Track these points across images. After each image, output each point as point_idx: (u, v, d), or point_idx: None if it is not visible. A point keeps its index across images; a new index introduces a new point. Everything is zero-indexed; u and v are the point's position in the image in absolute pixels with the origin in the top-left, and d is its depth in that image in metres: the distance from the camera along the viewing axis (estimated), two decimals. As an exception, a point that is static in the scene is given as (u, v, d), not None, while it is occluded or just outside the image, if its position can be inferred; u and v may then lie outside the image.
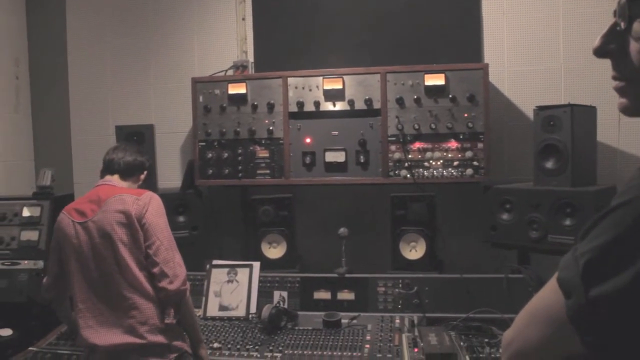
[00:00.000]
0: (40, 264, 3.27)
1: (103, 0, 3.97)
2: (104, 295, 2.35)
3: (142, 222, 2.35)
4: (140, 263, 2.35)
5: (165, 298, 2.34)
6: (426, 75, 3.15)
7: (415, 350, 2.22)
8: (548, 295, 0.88)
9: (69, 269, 2.42)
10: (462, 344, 2.33)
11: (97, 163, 3.89)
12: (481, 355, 2.38)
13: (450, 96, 3.12)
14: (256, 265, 3.07)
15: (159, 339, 2.32)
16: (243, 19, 3.75)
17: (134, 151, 2.72)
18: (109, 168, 2.64)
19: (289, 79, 3.28)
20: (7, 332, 3.08)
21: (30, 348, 2.76)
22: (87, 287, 2.37)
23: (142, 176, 2.73)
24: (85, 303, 2.36)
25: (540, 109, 2.92)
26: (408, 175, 3.15)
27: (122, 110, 3.91)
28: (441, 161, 3.15)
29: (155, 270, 2.33)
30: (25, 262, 3.29)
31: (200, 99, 3.37)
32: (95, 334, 2.31)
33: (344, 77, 3.23)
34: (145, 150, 3.42)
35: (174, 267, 2.34)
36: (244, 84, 3.32)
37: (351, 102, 3.21)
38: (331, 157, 3.23)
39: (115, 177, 2.62)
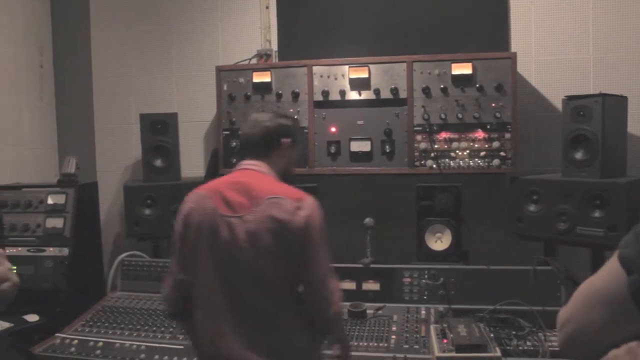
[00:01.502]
0: (65, 251, 3.30)
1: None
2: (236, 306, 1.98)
3: (300, 240, 1.96)
4: (286, 279, 1.99)
5: (320, 323, 2.04)
6: (453, 65, 3.11)
7: (445, 341, 2.20)
8: (607, 275, 0.86)
9: (196, 263, 2.03)
10: (491, 335, 2.31)
11: (120, 151, 3.97)
12: (508, 347, 2.35)
13: (477, 85, 3.08)
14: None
15: None
16: (267, 8, 3.73)
17: (268, 116, 2.25)
18: (245, 147, 2.22)
19: (314, 67, 3.26)
20: (33, 317, 3.10)
21: (56, 334, 2.77)
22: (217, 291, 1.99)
23: (286, 147, 2.21)
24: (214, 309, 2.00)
25: (569, 98, 2.87)
26: (434, 166, 3.12)
27: (145, 98, 3.91)
28: (467, 151, 3.11)
29: (310, 295, 2.01)
30: (51, 249, 3.31)
31: (225, 87, 3.36)
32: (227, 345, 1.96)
33: (370, 65, 3.20)
34: (168, 140, 3.45)
35: (332, 293, 2.01)
36: (268, 73, 3.31)
37: (377, 91, 3.18)
38: (356, 146, 3.21)
39: (255, 160, 2.16)
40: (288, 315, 2.00)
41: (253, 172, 2.11)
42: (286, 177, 2.20)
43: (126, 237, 3.47)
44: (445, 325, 2.32)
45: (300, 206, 1.97)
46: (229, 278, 1.97)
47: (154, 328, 2.78)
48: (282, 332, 1.98)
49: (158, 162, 3.45)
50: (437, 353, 2.14)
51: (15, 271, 1.07)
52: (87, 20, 4.02)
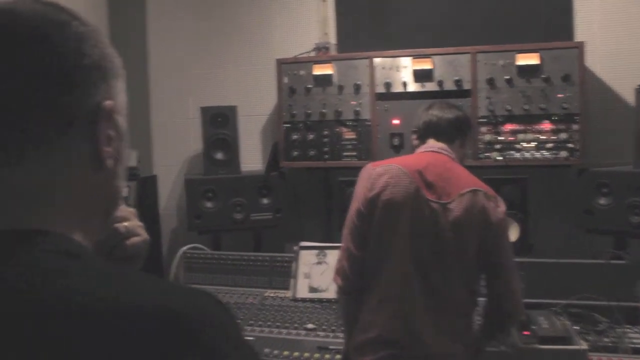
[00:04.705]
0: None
1: (184, -18, 4.00)
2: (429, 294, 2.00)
3: (497, 233, 2.00)
4: (477, 270, 2.05)
5: (497, 317, 2.09)
6: (518, 55, 3.05)
7: (526, 333, 2.16)
8: None
9: (385, 243, 2.00)
10: (575, 328, 2.26)
11: (178, 145, 4.00)
12: (588, 338, 2.29)
13: (544, 76, 3.02)
14: (345, 246, 3.05)
15: None
16: (324, 0, 3.71)
17: (451, 107, 2.27)
18: (433, 129, 2.18)
19: (375, 59, 3.24)
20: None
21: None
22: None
23: (469, 137, 2.26)
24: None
25: (643, 88, 2.80)
26: (499, 158, 3.07)
27: (202, 92, 3.92)
28: (534, 143, 3.06)
29: (495, 288, 2.04)
30: (114, 241, 3.34)
31: (285, 80, 3.36)
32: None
33: (433, 57, 3.16)
34: (229, 133, 3.46)
35: (515, 293, 2.05)
36: (329, 65, 3.30)
37: (440, 83, 3.15)
38: (419, 138, 3.18)
39: (440, 143, 2.16)
40: (471, 306, 2.05)
41: (445, 157, 2.11)
42: None
43: (187, 230, 3.48)
44: (523, 317, 2.28)
45: (497, 200, 2.03)
46: (422, 263, 1.97)
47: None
48: (466, 319, 2.03)
49: (219, 155, 3.46)
50: (519, 345, 2.11)
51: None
52: (143, 14, 4.06)
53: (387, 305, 2.00)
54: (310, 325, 2.65)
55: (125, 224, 0.99)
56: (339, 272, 2.13)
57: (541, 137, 3.05)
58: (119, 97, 0.75)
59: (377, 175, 2.05)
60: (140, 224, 1.03)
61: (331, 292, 2.94)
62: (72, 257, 0.63)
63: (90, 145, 0.70)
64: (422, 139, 2.21)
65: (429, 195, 1.97)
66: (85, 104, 0.69)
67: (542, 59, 3.02)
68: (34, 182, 0.66)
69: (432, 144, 2.16)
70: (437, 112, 2.20)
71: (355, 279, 2.09)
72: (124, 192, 0.83)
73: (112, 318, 0.56)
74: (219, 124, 3.46)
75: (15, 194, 0.65)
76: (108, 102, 0.72)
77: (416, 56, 3.17)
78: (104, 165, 0.71)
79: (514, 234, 3.04)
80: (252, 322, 2.70)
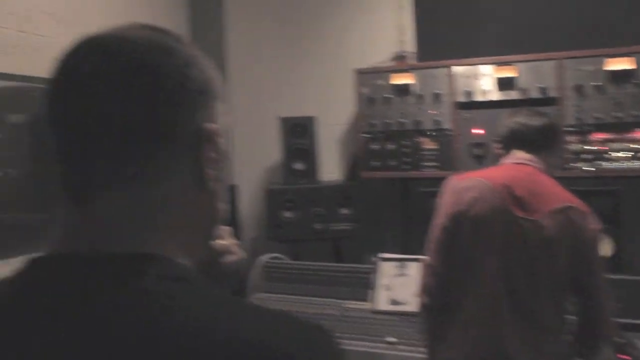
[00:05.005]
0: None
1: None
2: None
3: (590, 252, 1.94)
4: (568, 288, 1.97)
5: (590, 336, 2.01)
6: (609, 60, 2.92)
7: (624, 357, 2.05)
8: None
9: (471, 259, 1.96)
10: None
11: (258, 155, 4.06)
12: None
13: (637, 81, 2.86)
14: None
15: None
16: (402, 8, 3.68)
17: (538, 114, 2.15)
18: (519, 139, 2.06)
19: (455, 67, 3.18)
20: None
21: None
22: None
23: (557, 147, 2.14)
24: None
25: None
26: (591, 169, 2.93)
27: (281, 101, 3.96)
28: (627, 153, 2.91)
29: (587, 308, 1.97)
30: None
31: (364, 90, 3.34)
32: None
33: (516, 64, 3.07)
34: (308, 143, 3.48)
35: (607, 311, 1.98)
36: (408, 74, 3.26)
37: (524, 91, 3.05)
38: (503, 148, 3.09)
39: (526, 154, 2.04)
40: (560, 324, 1.97)
41: (532, 169, 2.01)
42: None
43: (267, 239, 3.53)
44: (622, 340, 2.16)
45: (589, 217, 1.93)
46: (511, 279, 1.92)
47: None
48: (555, 338, 1.95)
49: (298, 165, 3.50)
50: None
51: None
52: (222, 25, 4.14)
53: (476, 325, 1.95)
54: (390, 339, 2.62)
55: (222, 242, 1.00)
56: (424, 289, 2.09)
57: (634, 147, 2.89)
58: (219, 119, 0.76)
59: (462, 190, 1.99)
60: (236, 242, 1.04)
61: (412, 305, 2.89)
62: (183, 283, 0.65)
63: (194, 167, 0.71)
64: (507, 148, 2.11)
65: (518, 211, 1.89)
66: (189, 127, 0.70)
67: (638, 63, 2.86)
68: (141, 205, 0.68)
69: (518, 155, 2.05)
70: (523, 120, 2.09)
71: (440, 296, 2.05)
72: (225, 213, 0.85)
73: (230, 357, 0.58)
74: (298, 134, 3.49)
75: (124, 217, 0.67)
76: (211, 126, 0.73)
77: (499, 64, 3.08)
78: (207, 187, 0.73)
79: (607, 249, 2.89)
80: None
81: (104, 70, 0.67)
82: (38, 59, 2.79)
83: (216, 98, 0.76)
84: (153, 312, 0.60)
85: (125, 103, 0.66)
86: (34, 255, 0.69)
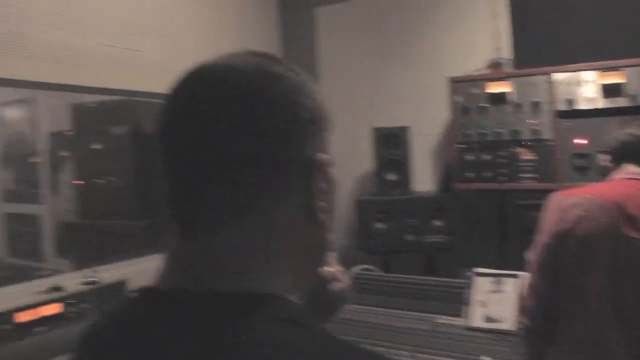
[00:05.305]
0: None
1: (356, 1, 4.06)
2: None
3: None
4: None
5: None
6: None
7: None
8: None
9: (578, 280, 1.87)
10: None
11: (350, 165, 4.06)
12: None
13: None
14: (524, 275, 2.88)
15: None
16: (497, 14, 3.56)
17: None
18: (626, 151, 1.99)
19: (556, 74, 3.03)
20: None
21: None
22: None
23: None
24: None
25: None
26: None
27: (374, 111, 3.95)
28: None
29: None
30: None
31: (458, 99, 3.27)
32: None
33: (623, 69, 2.89)
34: (401, 153, 3.44)
35: None
36: (504, 82, 3.16)
37: (634, 98, 2.86)
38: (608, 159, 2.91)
39: (638, 167, 1.96)
40: None
41: None
42: None
43: (358, 250, 3.52)
44: None
45: None
46: (619, 300, 1.83)
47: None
48: None
49: (391, 176, 3.47)
50: None
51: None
52: (314, 34, 4.19)
53: (584, 348, 1.86)
54: (485, 358, 2.53)
55: (329, 269, 0.98)
56: (525, 310, 2.00)
57: None
58: (329, 148, 0.74)
59: (568, 207, 1.89)
60: (341, 269, 1.02)
61: (509, 323, 2.79)
62: (295, 325, 0.63)
63: (305, 199, 0.69)
64: (617, 161, 2.00)
65: (631, 232, 1.78)
66: (300, 157, 0.68)
67: None
68: (252, 239, 0.66)
69: (629, 169, 1.95)
70: (636, 131, 1.98)
71: (542, 318, 1.96)
72: (333, 243, 0.82)
73: None
74: (391, 144, 3.47)
75: (236, 252, 0.66)
76: (322, 156, 0.71)
77: (604, 69, 2.91)
78: (317, 219, 0.70)
79: None
80: (423, 349, 2.65)
81: (215, 98, 0.66)
82: (136, 73, 2.95)
83: (326, 127, 0.74)
84: (264, 352, 0.58)
85: (236, 131, 0.65)
86: (145, 287, 0.69)
